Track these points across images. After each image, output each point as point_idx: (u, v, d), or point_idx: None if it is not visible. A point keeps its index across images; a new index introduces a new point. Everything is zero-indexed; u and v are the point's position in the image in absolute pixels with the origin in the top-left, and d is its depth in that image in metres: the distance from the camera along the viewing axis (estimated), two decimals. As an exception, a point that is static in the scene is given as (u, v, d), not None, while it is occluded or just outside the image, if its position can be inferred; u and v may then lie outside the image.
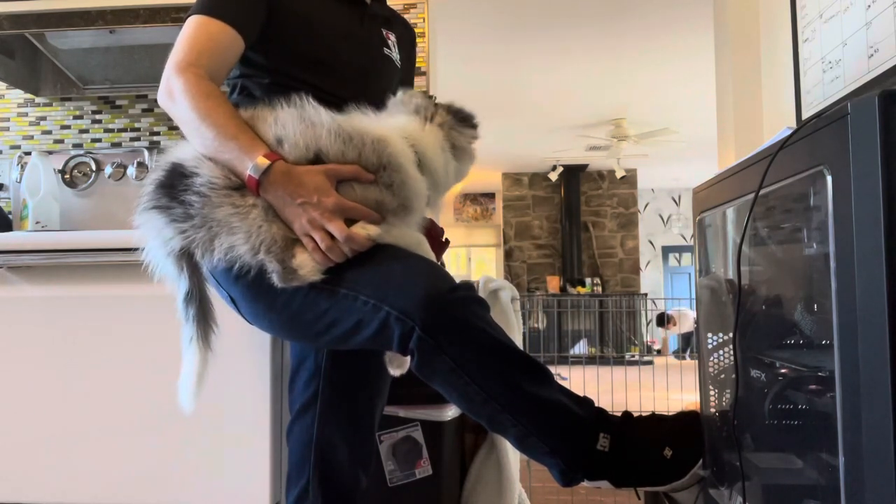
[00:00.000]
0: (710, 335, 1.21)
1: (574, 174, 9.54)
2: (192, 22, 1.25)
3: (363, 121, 1.22)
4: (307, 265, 1.11)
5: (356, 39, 1.43)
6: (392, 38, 1.53)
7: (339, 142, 1.16)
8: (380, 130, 1.21)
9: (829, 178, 0.75)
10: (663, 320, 8.82)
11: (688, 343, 8.56)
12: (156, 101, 1.31)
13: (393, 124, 1.26)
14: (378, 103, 1.44)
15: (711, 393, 1.20)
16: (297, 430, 1.33)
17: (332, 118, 1.18)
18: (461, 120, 1.31)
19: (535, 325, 7.27)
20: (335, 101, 1.27)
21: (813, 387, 0.87)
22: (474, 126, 1.33)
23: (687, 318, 8.70)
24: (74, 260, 1.61)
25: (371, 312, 1.08)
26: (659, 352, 9.64)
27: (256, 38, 1.31)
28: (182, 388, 1.15)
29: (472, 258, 10.91)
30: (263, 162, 1.11)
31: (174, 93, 1.18)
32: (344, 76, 1.39)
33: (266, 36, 1.32)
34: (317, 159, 1.15)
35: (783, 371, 0.95)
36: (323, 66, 1.37)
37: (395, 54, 1.52)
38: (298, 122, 1.16)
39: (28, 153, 2.42)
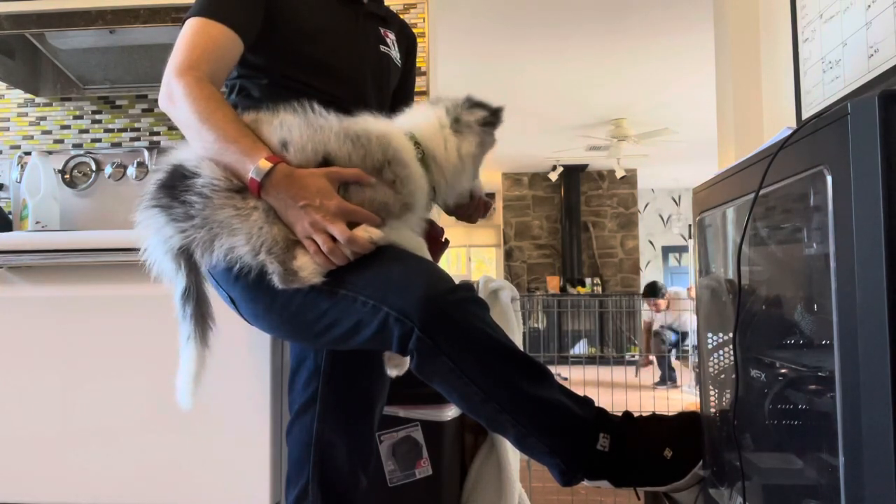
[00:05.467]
0: (710, 335, 1.21)
1: (574, 174, 9.54)
2: (191, 24, 1.25)
3: (368, 122, 1.23)
4: (308, 267, 1.11)
5: (353, 38, 1.43)
6: (391, 37, 1.53)
7: (348, 143, 1.16)
8: (382, 127, 1.22)
9: (829, 178, 0.75)
10: (654, 290, 7.08)
11: (666, 357, 6.67)
12: (156, 101, 1.32)
13: (397, 123, 1.27)
14: (379, 101, 1.44)
15: (711, 393, 1.20)
16: (296, 430, 1.33)
17: (339, 121, 1.19)
18: (475, 104, 1.29)
19: (535, 325, 7.26)
20: (334, 101, 1.27)
21: (813, 387, 0.87)
22: (488, 109, 1.29)
23: (678, 303, 6.93)
24: (74, 260, 1.61)
25: (370, 313, 1.08)
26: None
27: (254, 40, 1.31)
28: (179, 386, 1.16)
29: (472, 258, 10.91)
30: (265, 164, 1.11)
31: (175, 96, 1.18)
32: (342, 76, 1.39)
33: (264, 37, 1.32)
34: (325, 163, 1.16)
35: (783, 371, 0.95)
36: (321, 66, 1.37)
37: (393, 52, 1.52)
38: (305, 127, 1.17)
39: (28, 153, 2.42)
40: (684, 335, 6.56)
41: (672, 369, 6.53)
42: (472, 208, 1.44)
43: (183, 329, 1.17)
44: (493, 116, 1.29)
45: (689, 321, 6.56)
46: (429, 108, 1.29)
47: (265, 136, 1.16)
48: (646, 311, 7.10)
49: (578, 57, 5.40)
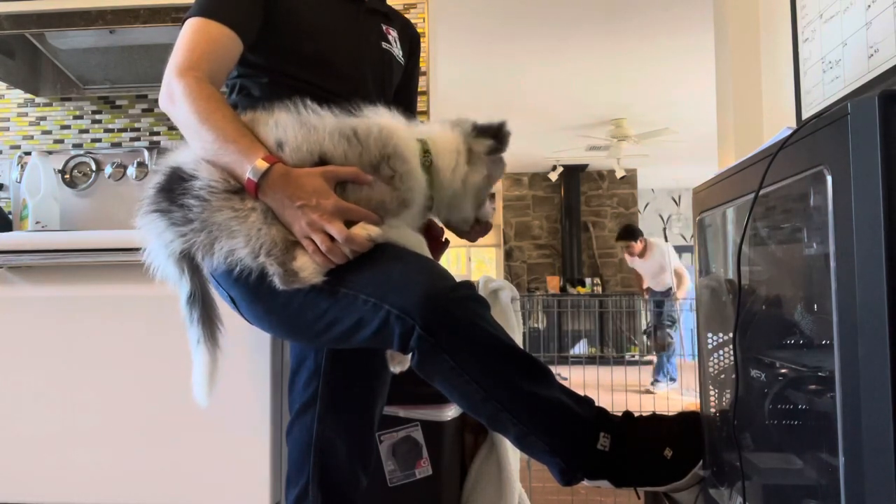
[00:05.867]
0: (710, 335, 1.21)
1: (574, 174, 9.54)
2: (191, 24, 1.25)
3: (375, 113, 1.22)
4: (308, 267, 1.11)
5: (353, 36, 1.43)
6: (392, 34, 1.52)
7: (343, 142, 1.16)
8: (389, 122, 1.22)
9: (829, 178, 0.75)
10: (630, 232, 6.67)
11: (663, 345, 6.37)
12: (156, 100, 1.32)
13: (412, 126, 1.27)
14: (380, 99, 1.44)
15: (711, 393, 1.20)
16: (296, 429, 1.33)
17: (334, 118, 1.18)
18: (481, 131, 1.29)
19: (535, 325, 7.26)
20: (334, 98, 1.27)
21: (813, 387, 0.87)
22: (495, 136, 1.29)
23: (654, 251, 6.49)
24: (74, 260, 1.61)
25: (371, 311, 1.08)
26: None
27: (254, 39, 1.31)
28: (196, 387, 1.16)
29: (472, 258, 10.91)
30: (262, 165, 1.11)
31: (175, 96, 1.18)
32: (342, 73, 1.39)
33: (263, 36, 1.32)
34: (321, 163, 1.15)
35: (783, 371, 0.95)
36: (321, 64, 1.37)
37: (395, 49, 1.52)
38: (298, 127, 1.16)
39: (28, 153, 2.42)
40: (668, 293, 6.37)
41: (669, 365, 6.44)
42: (473, 231, 1.44)
43: (192, 333, 1.18)
44: (499, 142, 1.30)
45: (670, 276, 6.39)
46: (450, 128, 1.29)
47: (262, 136, 1.16)
48: (630, 260, 6.84)
49: (579, 57, 5.40)
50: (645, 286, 6.82)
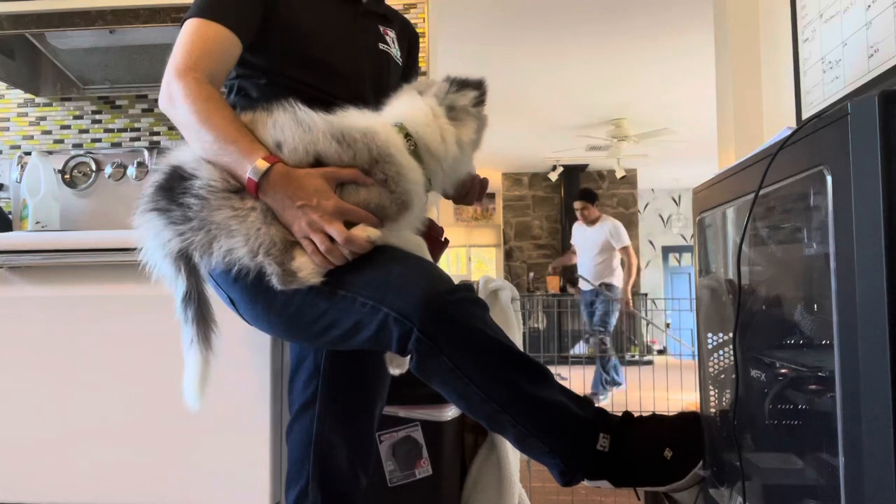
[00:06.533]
0: (710, 335, 1.21)
1: (574, 174, 9.54)
2: (190, 25, 1.25)
3: (352, 117, 1.21)
4: (306, 267, 1.10)
5: (351, 37, 1.43)
6: (391, 34, 1.52)
7: (335, 144, 1.15)
8: (366, 123, 1.20)
9: (829, 178, 0.75)
10: (590, 194, 6.12)
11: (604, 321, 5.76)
12: (156, 100, 1.32)
13: (384, 115, 1.25)
14: (378, 99, 1.44)
15: (711, 393, 1.20)
16: (296, 429, 1.33)
17: (325, 120, 1.18)
18: (459, 85, 1.28)
19: (535, 325, 7.25)
20: (332, 99, 1.27)
21: (813, 387, 0.87)
22: (476, 87, 1.28)
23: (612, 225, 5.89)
24: (74, 260, 1.61)
25: (370, 314, 1.08)
26: (661, 351, 9.44)
27: (252, 40, 1.31)
28: (186, 389, 1.15)
29: (472, 258, 10.91)
30: (263, 164, 1.11)
31: (174, 97, 1.18)
32: (340, 74, 1.39)
33: (262, 37, 1.32)
34: (317, 163, 1.15)
35: (783, 371, 0.95)
36: (318, 65, 1.37)
37: (393, 49, 1.52)
38: (295, 126, 1.16)
39: (28, 153, 2.42)
40: (604, 288, 5.87)
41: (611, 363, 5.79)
42: (466, 189, 1.43)
43: (185, 333, 1.17)
44: (481, 94, 1.29)
45: (608, 262, 5.88)
46: (417, 96, 1.27)
47: (261, 136, 1.16)
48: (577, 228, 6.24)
49: (579, 57, 5.40)
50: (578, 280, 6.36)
